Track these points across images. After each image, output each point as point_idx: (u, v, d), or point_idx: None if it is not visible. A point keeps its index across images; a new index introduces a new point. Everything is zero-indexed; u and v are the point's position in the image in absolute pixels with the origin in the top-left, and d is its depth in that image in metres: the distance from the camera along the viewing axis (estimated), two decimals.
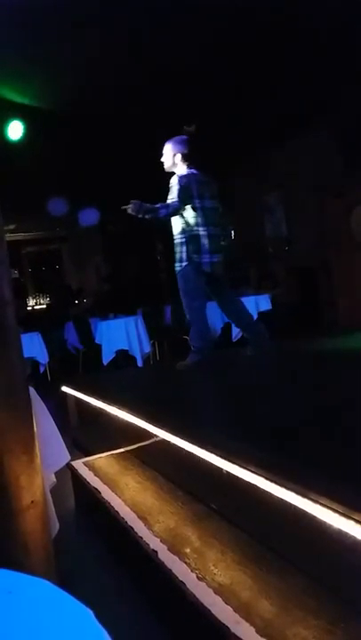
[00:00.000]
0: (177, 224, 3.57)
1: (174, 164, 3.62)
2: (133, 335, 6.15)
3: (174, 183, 3.50)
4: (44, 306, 11.95)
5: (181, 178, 3.50)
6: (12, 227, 9.74)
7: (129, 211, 3.38)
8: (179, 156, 3.61)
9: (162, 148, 3.68)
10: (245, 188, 8.38)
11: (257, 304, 6.58)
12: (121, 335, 6.11)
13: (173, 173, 3.60)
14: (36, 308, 11.92)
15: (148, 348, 6.33)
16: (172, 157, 3.62)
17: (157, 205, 3.42)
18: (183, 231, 3.55)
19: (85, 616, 0.59)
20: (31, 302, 12.04)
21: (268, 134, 6.86)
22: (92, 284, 11.22)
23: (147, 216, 3.39)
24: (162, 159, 3.67)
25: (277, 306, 6.81)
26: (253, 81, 5.33)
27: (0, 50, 4.08)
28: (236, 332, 6.83)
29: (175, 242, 3.60)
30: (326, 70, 5.26)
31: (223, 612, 1.36)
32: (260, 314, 6.55)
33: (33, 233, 11.52)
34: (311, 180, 6.95)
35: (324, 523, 1.29)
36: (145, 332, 6.31)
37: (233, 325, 6.84)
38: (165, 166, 3.65)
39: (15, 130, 5.57)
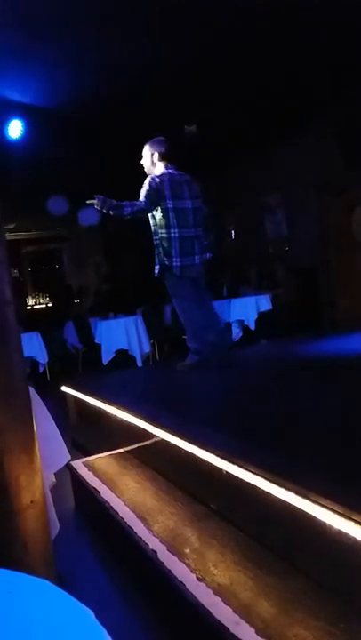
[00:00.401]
0: (152, 226, 3.56)
1: (153, 165, 3.60)
2: (133, 335, 6.14)
3: (145, 183, 3.46)
4: (44, 305, 11.94)
5: (153, 178, 3.45)
6: (11, 226, 9.73)
7: (94, 206, 3.38)
8: (156, 155, 3.58)
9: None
10: (246, 189, 8.38)
11: (257, 304, 6.58)
12: (121, 335, 6.11)
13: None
14: (35, 307, 11.91)
15: (147, 348, 6.33)
16: (150, 158, 3.60)
17: (123, 203, 3.37)
18: (155, 233, 3.54)
19: (85, 616, 0.59)
20: (31, 302, 12.03)
21: (269, 134, 6.86)
22: (91, 284, 11.22)
23: (111, 212, 3.36)
24: (141, 161, 3.64)
25: (278, 306, 6.81)
26: (254, 80, 5.33)
27: (1, 46, 4.08)
28: (235, 332, 6.84)
29: (154, 241, 3.57)
30: (327, 69, 5.26)
31: (223, 612, 1.36)
32: (261, 314, 6.55)
33: (33, 232, 11.50)
34: (312, 181, 6.95)
35: (324, 523, 1.29)
36: (145, 332, 6.31)
37: (233, 326, 6.85)
38: (145, 167, 3.63)
39: (15, 129, 5.57)
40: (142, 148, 3.64)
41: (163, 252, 3.49)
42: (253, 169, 8.07)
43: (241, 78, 5.24)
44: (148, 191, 3.41)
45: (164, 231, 3.48)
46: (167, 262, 3.48)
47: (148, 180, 3.47)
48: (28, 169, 6.43)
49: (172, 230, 3.47)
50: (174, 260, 3.48)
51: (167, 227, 3.47)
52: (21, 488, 1.27)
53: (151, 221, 3.56)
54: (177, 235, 3.48)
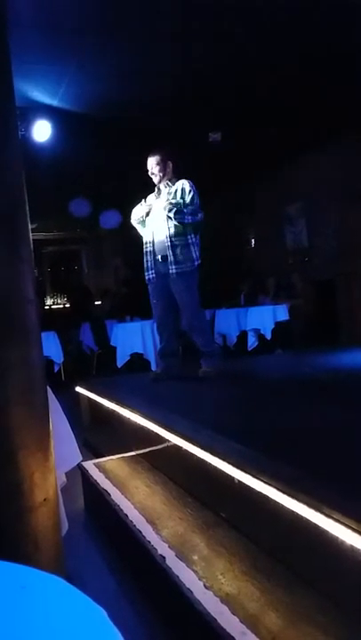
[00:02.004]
0: (176, 226, 3.57)
1: (167, 174, 3.69)
2: (149, 339, 6.15)
3: (188, 187, 3.57)
4: (61, 306, 12.04)
5: (193, 184, 3.59)
6: (33, 226, 9.84)
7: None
8: (171, 165, 3.69)
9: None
10: (267, 198, 8.37)
11: (274, 313, 6.55)
12: (137, 338, 6.13)
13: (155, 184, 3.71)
14: (53, 307, 12.02)
15: None
16: (165, 166, 3.68)
17: (185, 210, 3.51)
18: (187, 234, 3.58)
19: (98, 615, 0.59)
20: (49, 302, 12.15)
21: (294, 145, 6.85)
22: (110, 287, 11.28)
23: (174, 215, 3.48)
24: (153, 171, 3.70)
25: (295, 316, 6.77)
26: (279, 94, 5.33)
27: (30, 50, 4.14)
28: (251, 341, 6.81)
29: (174, 243, 3.58)
30: (355, 81, 5.24)
31: (230, 622, 1.35)
32: (278, 323, 6.52)
33: (54, 233, 11.64)
34: (335, 192, 6.91)
35: (337, 538, 1.28)
36: None
37: (249, 334, 6.83)
38: (159, 176, 3.69)
39: (42, 131, 5.64)
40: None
41: (192, 254, 3.57)
42: (275, 178, 8.05)
43: (269, 88, 5.25)
44: (198, 198, 3.55)
45: (194, 235, 3.60)
46: (196, 264, 3.58)
47: (187, 184, 3.58)
48: (53, 170, 6.51)
49: (198, 235, 3.64)
50: (197, 262, 3.60)
51: (197, 230, 3.61)
52: (35, 485, 1.28)
53: (176, 223, 3.57)
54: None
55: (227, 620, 1.36)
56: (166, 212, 3.53)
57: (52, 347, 6.28)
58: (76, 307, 10.53)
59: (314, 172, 7.32)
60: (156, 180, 3.72)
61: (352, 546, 1.23)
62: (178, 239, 3.58)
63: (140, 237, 3.87)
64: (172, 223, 3.56)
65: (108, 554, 2.27)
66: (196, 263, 3.58)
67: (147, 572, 1.87)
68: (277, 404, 2.78)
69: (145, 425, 2.63)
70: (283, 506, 1.48)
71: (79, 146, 6.13)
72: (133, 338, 6.14)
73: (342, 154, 6.79)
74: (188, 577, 1.59)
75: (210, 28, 4.11)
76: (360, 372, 3.72)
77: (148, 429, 2.57)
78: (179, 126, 5.64)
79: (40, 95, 5.12)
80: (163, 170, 3.68)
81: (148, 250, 3.71)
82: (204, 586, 1.53)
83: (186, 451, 2.15)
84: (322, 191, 7.21)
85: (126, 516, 2.11)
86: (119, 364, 6.16)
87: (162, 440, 2.46)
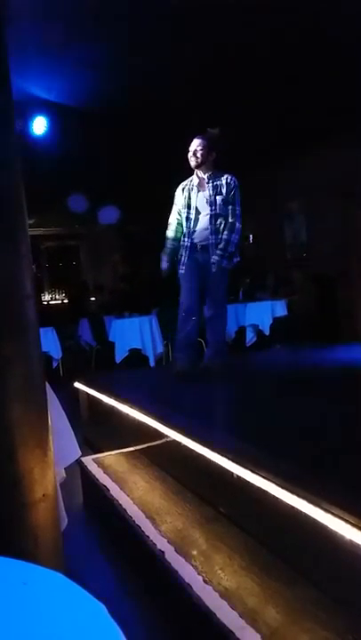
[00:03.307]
0: (219, 217, 3.46)
1: (207, 162, 3.48)
2: (147, 335, 6.15)
3: (231, 182, 3.49)
4: (60, 301, 12.03)
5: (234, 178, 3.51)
6: (31, 221, 9.81)
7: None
8: (214, 155, 3.50)
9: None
10: (267, 193, 8.35)
11: (273, 309, 6.55)
12: (135, 334, 6.13)
13: (193, 169, 3.53)
14: (51, 303, 12.02)
15: (161, 349, 6.34)
16: (208, 154, 3.46)
17: (231, 242, 3.45)
18: (232, 229, 3.49)
19: (98, 610, 0.59)
20: (47, 297, 12.14)
21: (295, 140, 6.83)
22: (108, 282, 11.28)
23: (221, 259, 3.42)
24: (196, 153, 3.46)
25: (294, 312, 6.77)
26: (279, 90, 5.31)
27: (28, 45, 4.11)
28: (250, 337, 6.82)
29: (216, 235, 3.46)
30: (354, 80, 5.22)
31: (229, 616, 1.35)
32: (276, 319, 6.52)
33: (52, 228, 11.61)
34: (335, 188, 6.90)
35: (336, 533, 1.28)
36: (159, 333, 6.32)
37: (247, 330, 6.83)
38: (199, 161, 3.46)
39: (39, 125, 5.62)
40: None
41: (233, 250, 3.48)
42: (275, 173, 8.03)
43: (269, 85, 5.22)
44: (240, 195, 3.49)
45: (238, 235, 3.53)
46: (235, 260, 3.53)
47: (232, 178, 3.49)
48: (50, 166, 6.49)
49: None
50: (236, 259, 3.55)
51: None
52: (34, 481, 1.28)
53: (221, 211, 3.46)
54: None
55: (226, 614, 1.37)
56: (216, 258, 3.43)
57: (50, 342, 6.28)
58: (75, 302, 10.53)
59: (314, 168, 7.30)
60: (193, 162, 3.49)
61: (351, 540, 1.24)
62: (219, 232, 3.47)
63: (138, 234, 3.83)
64: (216, 216, 3.46)
65: (107, 549, 2.27)
66: (235, 260, 3.52)
67: (146, 566, 1.87)
68: (276, 399, 2.78)
69: (144, 420, 2.63)
70: (282, 501, 1.49)
71: (77, 141, 6.10)
72: (132, 333, 6.14)
73: (342, 151, 6.77)
74: (187, 572, 1.60)
75: (208, 26, 4.08)
76: (358, 367, 3.73)
77: (147, 425, 2.57)
78: (177, 122, 5.61)
79: (36, 90, 5.09)
80: (205, 156, 3.45)
81: (187, 236, 3.55)
82: (204, 580, 1.54)
83: (185, 446, 2.15)
84: (321, 187, 7.19)
85: (125, 511, 2.12)
86: (118, 359, 6.16)
87: (161, 435, 2.46)
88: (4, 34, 1.42)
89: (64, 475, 1.89)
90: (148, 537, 1.86)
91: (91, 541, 2.36)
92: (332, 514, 1.29)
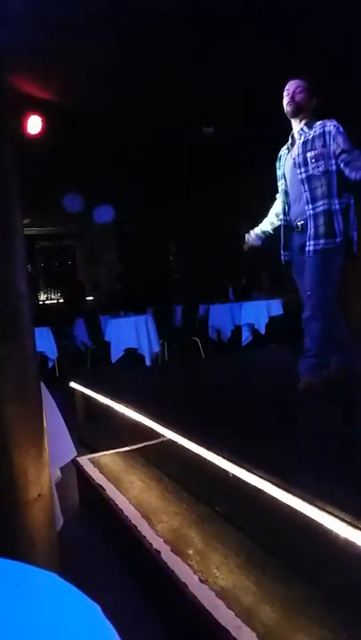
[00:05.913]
0: (330, 183, 2.70)
1: (308, 110, 2.79)
2: (143, 334, 6.15)
3: (335, 129, 2.63)
4: (55, 301, 12.02)
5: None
6: (26, 221, 9.80)
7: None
8: (315, 102, 2.80)
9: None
10: (261, 191, 8.36)
11: (268, 308, 6.56)
12: (131, 333, 6.12)
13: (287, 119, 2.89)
14: (46, 302, 12.00)
15: (157, 348, 6.33)
16: (309, 100, 2.78)
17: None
18: (340, 195, 2.74)
19: (93, 611, 0.59)
20: (42, 297, 12.12)
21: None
22: (103, 282, 11.27)
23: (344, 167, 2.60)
24: (295, 97, 2.76)
25: (289, 311, 6.78)
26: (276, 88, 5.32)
27: (23, 44, 4.11)
28: (245, 336, 6.82)
29: (319, 209, 2.74)
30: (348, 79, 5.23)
31: (225, 615, 1.35)
32: (272, 318, 6.53)
33: (47, 228, 11.59)
34: None
35: (331, 531, 1.28)
36: (155, 332, 6.32)
37: (243, 329, 6.82)
38: (296, 106, 2.77)
39: (34, 124, 5.61)
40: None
41: (334, 226, 2.74)
42: (269, 171, 8.03)
43: (266, 84, 5.23)
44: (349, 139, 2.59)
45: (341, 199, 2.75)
46: (338, 240, 2.76)
47: (334, 124, 2.65)
48: (46, 165, 6.47)
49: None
50: (339, 238, 2.76)
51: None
52: (29, 482, 1.27)
53: (316, 170, 2.71)
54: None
55: (222, 613, 1.37)
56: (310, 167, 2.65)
57: (45, 342, 6.27)
58: (70, 302, 10.51)
59: None
60: (289, 108, 2.80)
61: (346, 539, 1.24)
62: (325, 202, 2.73)
63: (133, 233, 3.78)
64: (309, 179, 2.72)
65: (103, 549, 2.27)
66: (338, 240, 2.75)
67: (142, 565, 1.87)
68: (272, 398, 2.78)
69: (139, 420, 2.63)
70: (277, 500, 1.49)
71: (72, 141, 6.10)
72: (128, 333, 6.13)
73: None
74: (183, 571, 1.60)
75: (207, 22, 4.08)
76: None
77: (143, 424, 2.57)
78: (170, 121, 5.61)
79: (31, 89, 5.08)
80: (306, 100, 2.75)
81: (282, 220, 3.02)
82: (200, 580, 1.54)
83: (180, 445, 2.15)
84: None
85: (121, 510, 2.12)
86: (113, 359, 6.16)
87: (156, 435, 2.46)
88: None
89: (59, 475, 1.89)
90: (144, 537, 1.86)
91: (86, 541, 2.35)
92: (327, 512, 1.29)
